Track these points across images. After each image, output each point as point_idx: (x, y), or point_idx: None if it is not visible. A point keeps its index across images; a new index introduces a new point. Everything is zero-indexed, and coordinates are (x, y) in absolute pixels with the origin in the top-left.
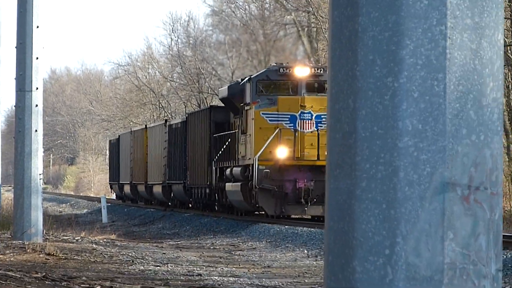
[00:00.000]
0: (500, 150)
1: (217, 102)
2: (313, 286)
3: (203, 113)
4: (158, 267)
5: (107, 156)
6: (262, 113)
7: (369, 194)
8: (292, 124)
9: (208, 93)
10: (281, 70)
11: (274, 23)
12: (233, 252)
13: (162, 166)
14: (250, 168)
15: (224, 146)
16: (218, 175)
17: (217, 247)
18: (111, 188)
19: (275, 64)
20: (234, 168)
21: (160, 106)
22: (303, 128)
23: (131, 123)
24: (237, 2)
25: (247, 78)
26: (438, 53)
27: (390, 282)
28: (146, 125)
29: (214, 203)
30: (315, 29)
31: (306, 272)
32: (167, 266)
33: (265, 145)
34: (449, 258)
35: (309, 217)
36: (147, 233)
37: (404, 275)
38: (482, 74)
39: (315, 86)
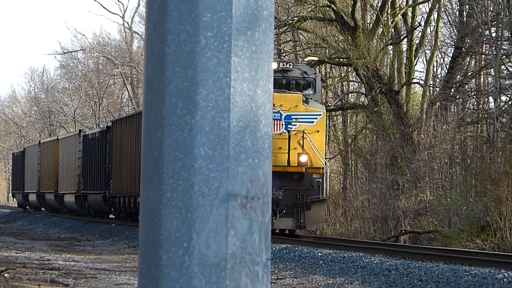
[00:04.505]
0: (270, 170)
1: (63, 133)
2: (132, 268)
3: (134, 118)
4: (18, 254)
5: None
6: None
7: (172, 202)
8: None
9: (56, 125)
10: None
11: (106, 74)
12: (74, 243)
13: (75, 175)
14: None
15: None
16: None
17: (62, 239)
18: (14, 196)
19: None
20: None
21: (21, 135)
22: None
23: None
24: (79, 59)
25: None
26: (224, 98)
27: (188, 267)
28: (57, 137)
29: None
30: (136, 79)
31: (127, 259)
32: (25, 253)
33: None
34: (231, 250)
35: (277, 230)
36: (10, 228)
37: (198, 262)
38: (257, 114)
39: (283, 83)
